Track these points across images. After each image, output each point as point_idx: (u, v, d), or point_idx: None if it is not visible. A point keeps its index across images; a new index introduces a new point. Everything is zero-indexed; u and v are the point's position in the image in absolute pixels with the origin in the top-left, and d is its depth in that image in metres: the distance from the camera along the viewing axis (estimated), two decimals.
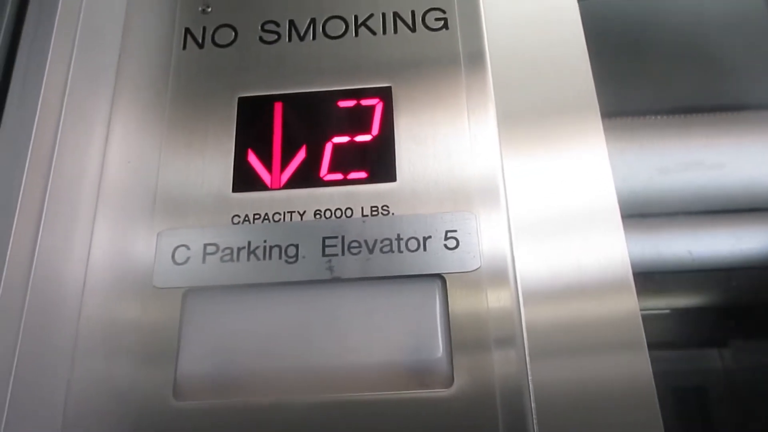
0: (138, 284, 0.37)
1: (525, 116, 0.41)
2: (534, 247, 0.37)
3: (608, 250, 0.37)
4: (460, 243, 0.37)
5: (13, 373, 0.35)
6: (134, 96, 0.43)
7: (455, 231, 0.37)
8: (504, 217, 0.38)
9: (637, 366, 0.34)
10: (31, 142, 0.40)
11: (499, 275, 0.36)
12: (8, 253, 0.37)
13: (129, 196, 0.40)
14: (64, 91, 0.41)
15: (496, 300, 0.36)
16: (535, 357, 0.35)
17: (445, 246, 0.37)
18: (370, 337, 0.35)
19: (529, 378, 0.34)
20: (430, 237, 0.37)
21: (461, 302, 0.36)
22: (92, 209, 0.40)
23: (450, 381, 0.34)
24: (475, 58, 0.43)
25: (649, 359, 0.34)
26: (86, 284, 0.38)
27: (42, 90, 0.41)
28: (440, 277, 0.37)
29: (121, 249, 0.38)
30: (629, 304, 0.35)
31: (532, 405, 0.34)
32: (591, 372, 0.34)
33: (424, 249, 0.37)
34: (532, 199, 0.39)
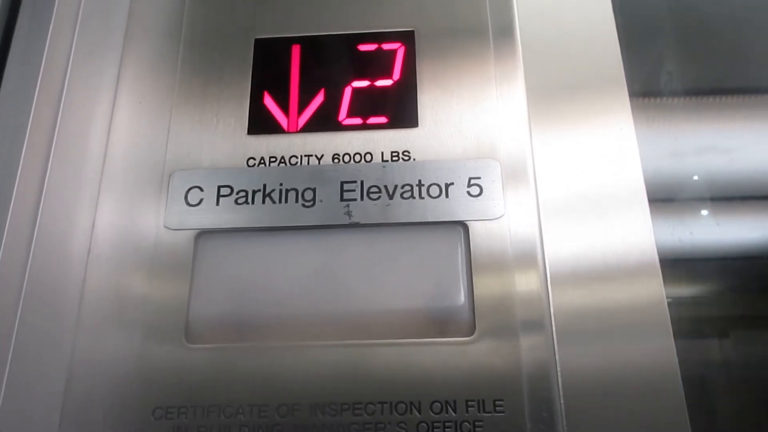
0: (149, 227, 0.36)
1: (553, 91, 0.39)
2: (561, 218, 0.36)
3: (635, 233, 0.35)
4: (484, 190, 0.36)
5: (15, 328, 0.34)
6: (146, 36, 0.41)
7: (479, 178, 0.36)
8: (532, 188, 0.36)
9: (662, 351, 0.33)
10: (39, 80, 0.38)
11: (526, 250, 0.35)
12: (14, 190, 0.36)
13: (141, 137, 0.38)
14: (73, 30, 0.39)
15: (522, 273, 0.34)
16: (559, 311, 0.34)
17: (468, 193, 0.36)
18: (389, 283, 0.34)
19: (554, 330, 0.33)
20: (452, 183, 0.36)
21: (484, 250, 0.35)
22: (102, 150, 0.38)
23: (472, 329, 0.33)
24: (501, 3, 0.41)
25: (674, 345, 0.33)
26: (95, 224, 0.36)
27: (50, 28, 0.39)
28: (462, 224, 0.35)
29: (133, 191, 0.37)
30: (655, 289, 0.34)
31: (556, 357, 0.33)
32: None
33: (446, 195, 0.36)
34: (561, 177, 0.37)
